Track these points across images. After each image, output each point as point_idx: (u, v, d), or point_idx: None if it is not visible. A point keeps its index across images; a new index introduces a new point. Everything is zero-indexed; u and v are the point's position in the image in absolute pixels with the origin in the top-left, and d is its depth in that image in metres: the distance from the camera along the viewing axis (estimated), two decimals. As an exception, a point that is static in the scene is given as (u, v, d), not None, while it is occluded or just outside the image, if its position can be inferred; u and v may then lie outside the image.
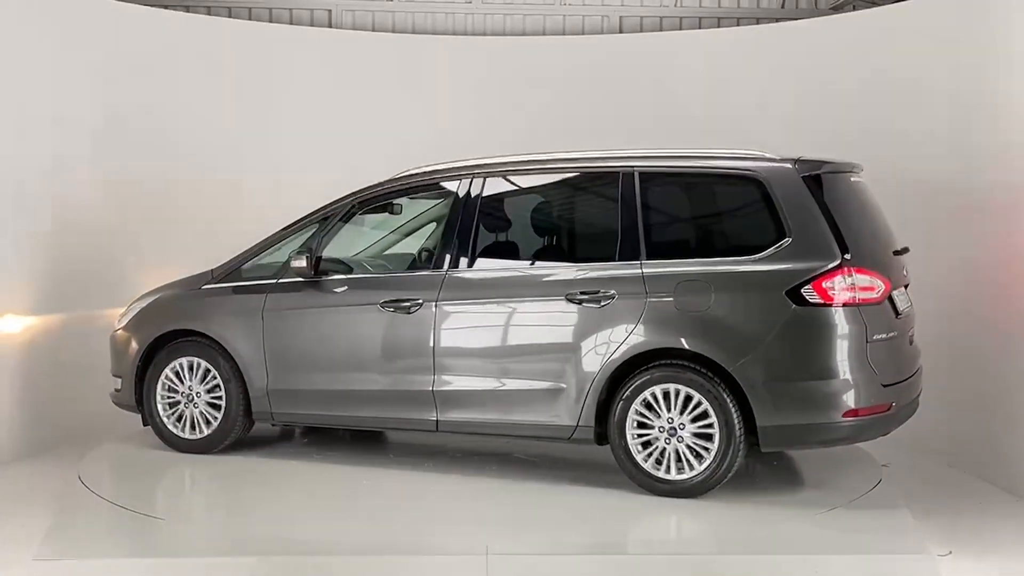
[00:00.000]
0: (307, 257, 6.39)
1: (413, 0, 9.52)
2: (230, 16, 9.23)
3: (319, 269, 6.48)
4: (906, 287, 6.12)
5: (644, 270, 5.79)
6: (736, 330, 5.59)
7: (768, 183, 5.69)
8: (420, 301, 6.18)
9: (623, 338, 5.75)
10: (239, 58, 8.82)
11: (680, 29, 9.54)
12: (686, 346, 5.65)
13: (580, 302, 5.86)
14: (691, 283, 5.68)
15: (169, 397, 6.72)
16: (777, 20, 9.45)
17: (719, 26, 9.52)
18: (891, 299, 5.77)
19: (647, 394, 5.72)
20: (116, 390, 6.93)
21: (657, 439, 5.71)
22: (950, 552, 5.09)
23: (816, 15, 9.27)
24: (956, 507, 6.02)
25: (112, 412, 7.11)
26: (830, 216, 5.61)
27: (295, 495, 6.03)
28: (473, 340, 6.13)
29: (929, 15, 7.63)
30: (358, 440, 7.11)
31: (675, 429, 5.67)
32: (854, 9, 9.10)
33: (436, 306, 6.14)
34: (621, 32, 9.57)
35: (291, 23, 9.41)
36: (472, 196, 6.28)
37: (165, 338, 6.76)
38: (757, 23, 9.51)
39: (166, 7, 8.89)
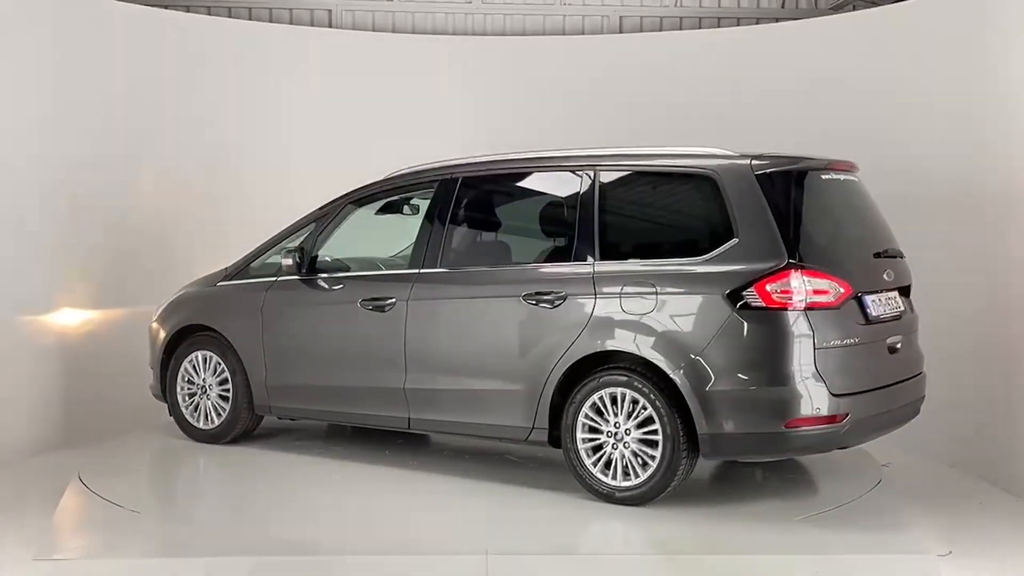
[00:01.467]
0: (295, 256, 6.54)
1: (413, 0, 9.52)
2: (230, 16, 9.23)
3: (313, 268, 6.59)
4: (904, 291, 5.89)
5: (595, 270, 5.65)
6: (678, 333, 5.33)
7: (720, 181, 5.42)
8: (393, 300, 6.20)
9: (572, 340, 5.61)
10: (239, 58, 8.81)
11: (680, 29, 9.54)
12: (630, 349, 5.45)
13: (535, 303, 5.77)
14: (637, 284, 5.48)
15: (188, 388, 6.98)
16: (777, 20, 9.45)
17: (719, 26, 9.52)
18: (860, 303, 5.47)
19: (595, 398, 5.56)
20: (152, 381, 7.23)
21: (605, 444, 5.56)
22: (950, 552, 5.08)
23: (816, 15, 9.27)
24: (956, 507, 6.01)
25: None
26: (783, 216, 5.33)
27: (296, 494, 6.03)
28: (438, 339, 6.08)
29: (929, 15, 7.64)
30: (359, 439, 7.10)
31: (621, 435, 5.52)
32: (854, 9, 9.10)
33: (407, 305, 6.15)
34: (621, 32, 9.57)
35: (291, 23, 9.41)
36: (441, 196, 6.26)
37: (186, 332, 7.00)
38: (757, 23, 9.51)
39: (166, 7, 8.89)
